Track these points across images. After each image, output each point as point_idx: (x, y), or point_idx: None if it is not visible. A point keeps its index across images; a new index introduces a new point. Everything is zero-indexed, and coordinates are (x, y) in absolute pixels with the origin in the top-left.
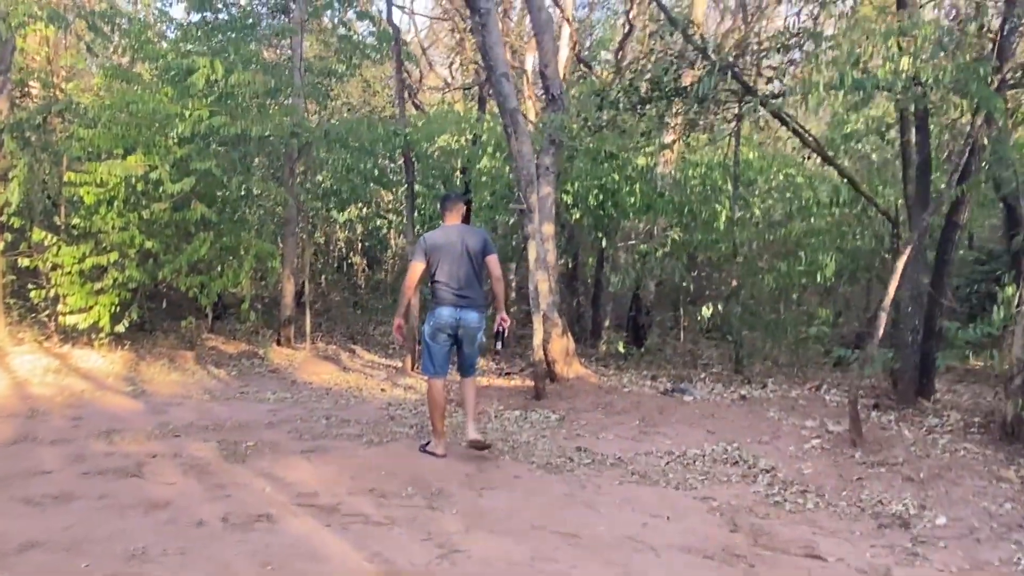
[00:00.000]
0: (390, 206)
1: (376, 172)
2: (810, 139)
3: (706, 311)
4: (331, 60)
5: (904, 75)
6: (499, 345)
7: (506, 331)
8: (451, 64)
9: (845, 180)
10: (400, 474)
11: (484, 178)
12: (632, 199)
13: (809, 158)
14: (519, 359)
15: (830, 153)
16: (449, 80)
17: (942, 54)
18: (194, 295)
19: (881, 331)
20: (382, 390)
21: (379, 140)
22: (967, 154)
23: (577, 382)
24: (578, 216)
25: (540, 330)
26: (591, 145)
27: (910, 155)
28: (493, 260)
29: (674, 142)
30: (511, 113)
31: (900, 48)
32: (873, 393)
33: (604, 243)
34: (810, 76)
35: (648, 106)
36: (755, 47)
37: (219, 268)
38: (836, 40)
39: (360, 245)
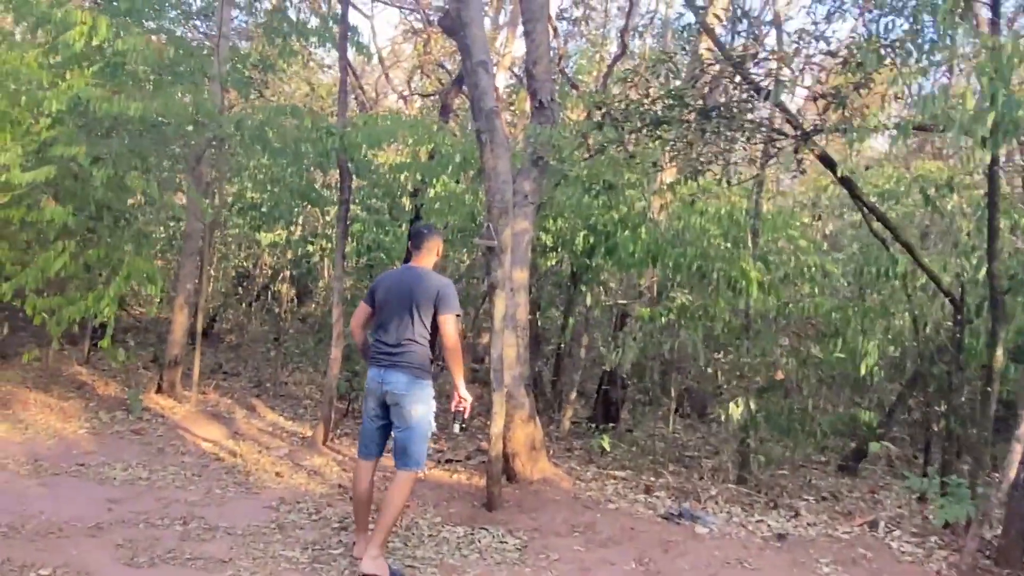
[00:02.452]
0: (320, 231)
1: (304, 184)
2: (860, 192)
3: (735, 408)
4: (258, 44)
5: None
6: (457, 428)
7: (465, 413)
8: (410, 79)
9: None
10: None
11: (438, 204)
12: (632, 246)
13: (818, 218)
14: (465, 439)
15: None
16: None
17: None
18: (41, 320)
19: (1014, 471)
20: (277, 474)
21: (307, 140)
22: None
23: (544, 486)
24: (554, 262)
25: (501, 413)
26: (584, 172)
27: (997, 221)
28: (445, 321)
29: (687, 179)
30: (487, 115)
31: None
32: (953, 542)
33: (588, 300)
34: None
35: (664, 127)
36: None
37: (92, 286)
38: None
39: (289, 273)
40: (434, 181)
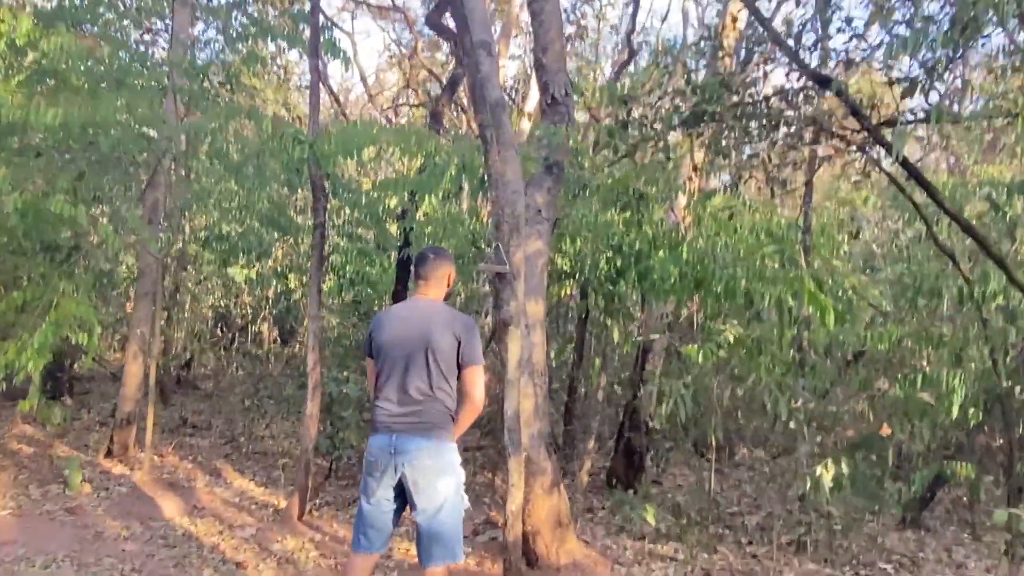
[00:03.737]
0: (298, 264)
1: (270, 207)
2: (941, 197)
3: (826, 472)
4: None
5: None
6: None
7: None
8: (396, 100)
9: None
10: None
11: (430, 227)
12: (672, 268)
13: (856, 235)
14: (473, 506)
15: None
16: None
17: None
18: None
19: None
20: (239, 564)
21: (272, 151)
22: None
23: (575, 573)
24: (568, 291)
25: (520, 485)
26: (609, 181)
27: None
28: (473, 377)
29: (729, 189)
30: (492, 108)
31: None
32: None
33: (615, 335)
34: None
35: (707, 122)
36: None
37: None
38: None
39: (269, 312)
40: (425, 199)
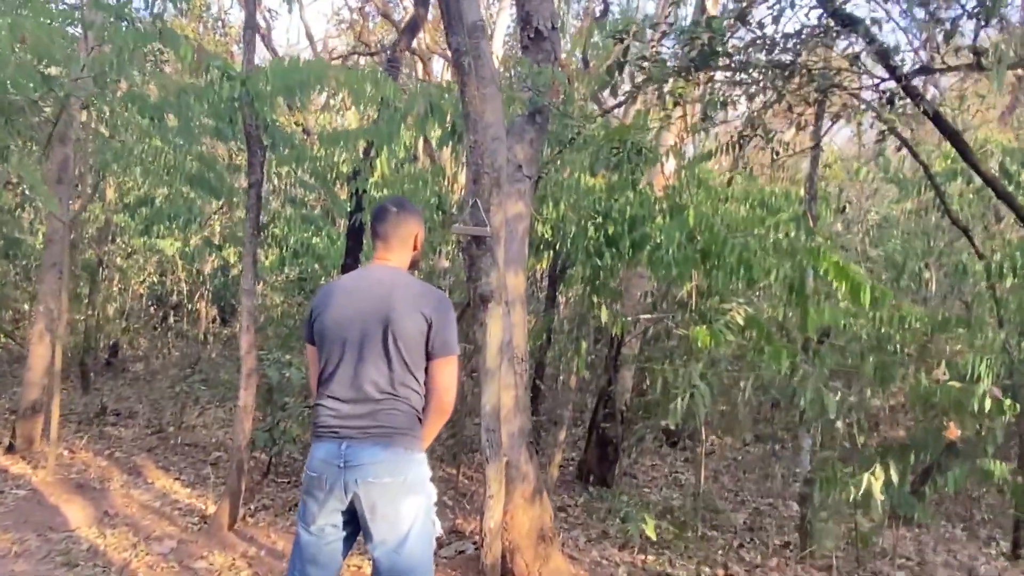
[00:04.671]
0: (232, 232)
1: (202, 168)
2: (976, 159)
3: (876, 481)
4: None
5: None
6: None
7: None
8: (346, 59)
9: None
10: None
11: (387, 189)
12: (678, 236)
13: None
14: (447, 511)
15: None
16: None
17: None
18: None
19: None
20: None
21: (195, 92)
22: None
23: None
24: (543, 263)
25: (499, 496)
26: (600, 132)
27: None
28: (444, 368)
29: (733, 147)
30: (471, 31)
31: None
32: None
33: (603, 315)
34: None
35: (716, 61)
36: None
37: None
38: None
39: (207, 288)
40: (382, 155)
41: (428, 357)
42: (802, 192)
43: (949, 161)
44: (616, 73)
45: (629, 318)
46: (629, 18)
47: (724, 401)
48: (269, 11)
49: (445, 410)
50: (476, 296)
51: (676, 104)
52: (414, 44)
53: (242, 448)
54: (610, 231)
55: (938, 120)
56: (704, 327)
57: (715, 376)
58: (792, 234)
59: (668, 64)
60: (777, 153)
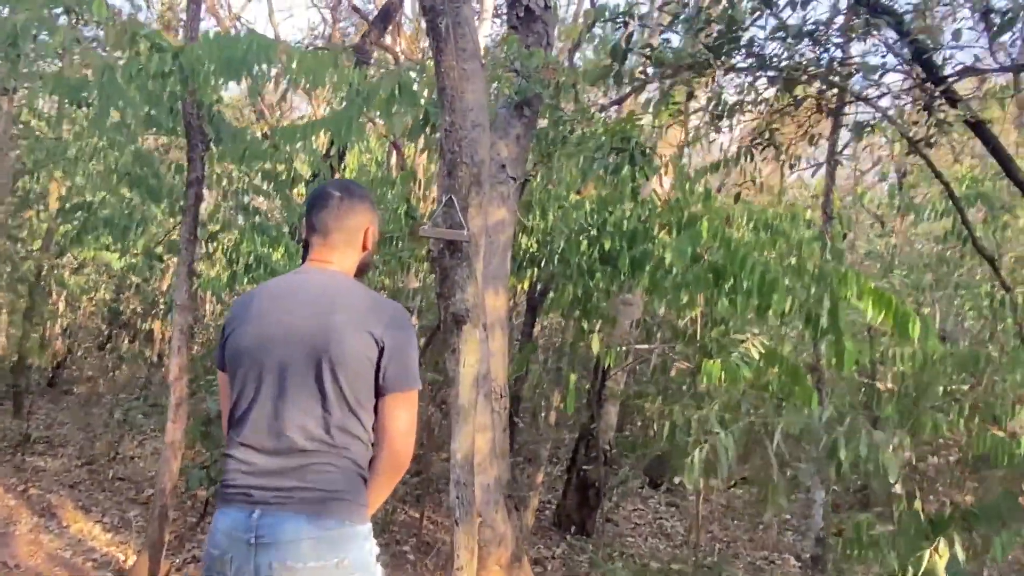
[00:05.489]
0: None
1: (138, 164)
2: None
3: (939, 557)
4: None
5: None
6: None
7: None
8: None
9: None
10: None
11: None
12: (687, 254)
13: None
14: (407, 565)
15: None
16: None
17: None
18: None
19: None
20: None
21: (123, 71)
22: None
23: None
24: (525, 283)
25: (470, 566)
26: (598, 130)
27: None
28: (400, 407)
29: (744, 157)
30: None
31: None
32: None
33: (595, 345)
34: None
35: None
36: None
37: None
38: None
39: (164, 305)
40: (347, 155)
41: (378, 392)
42: (809, 214)
43: (964, 186)
44: (619, 61)
45: (623, 348)
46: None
47: (745, 454)
48: (239, 19)
49: (400, 464)
50: (448, 316)
51: (691, 96)
52: (390, 42)
53: (167, 492)
54: (606, 246)
55: (980, 130)
56: (715, 361)
57: (733, 420)
58: (816, 255)
59: (680, 52)
60: (791, 167)
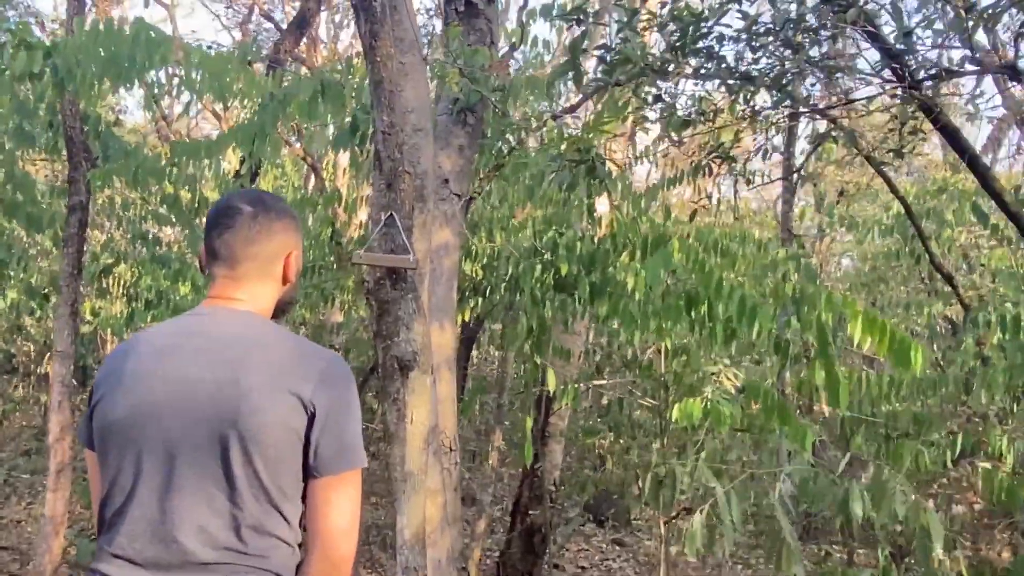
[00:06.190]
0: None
1: (6, 187)
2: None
3: None
4: None
5: None
6: None
7: None
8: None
9: None
10: None
11: None
12: (660, 277)
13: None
14: None
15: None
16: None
17: None
18: None
19: None
20: None
21: None
22: None
23: None
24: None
25: None
26: (555, 139)
27: None
28: (336, 490)
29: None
30: None
31: None
32: None
33: (550, 381)
34: None
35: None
36: None
37: None
38: None
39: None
40: (267, 165)
41: (308, 475)
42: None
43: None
44: (577, 57)
45: (579, 384)
46: None
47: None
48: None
49: (338, 570)
50: (389, 360)
51: (658, 99)
52: (307, 55)
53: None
54: (563, 271)
55: (955, 138)
56: (694, 400)
57: (723, 469)
58: (792, 277)
59: (643, 54)
60: (749, 182)
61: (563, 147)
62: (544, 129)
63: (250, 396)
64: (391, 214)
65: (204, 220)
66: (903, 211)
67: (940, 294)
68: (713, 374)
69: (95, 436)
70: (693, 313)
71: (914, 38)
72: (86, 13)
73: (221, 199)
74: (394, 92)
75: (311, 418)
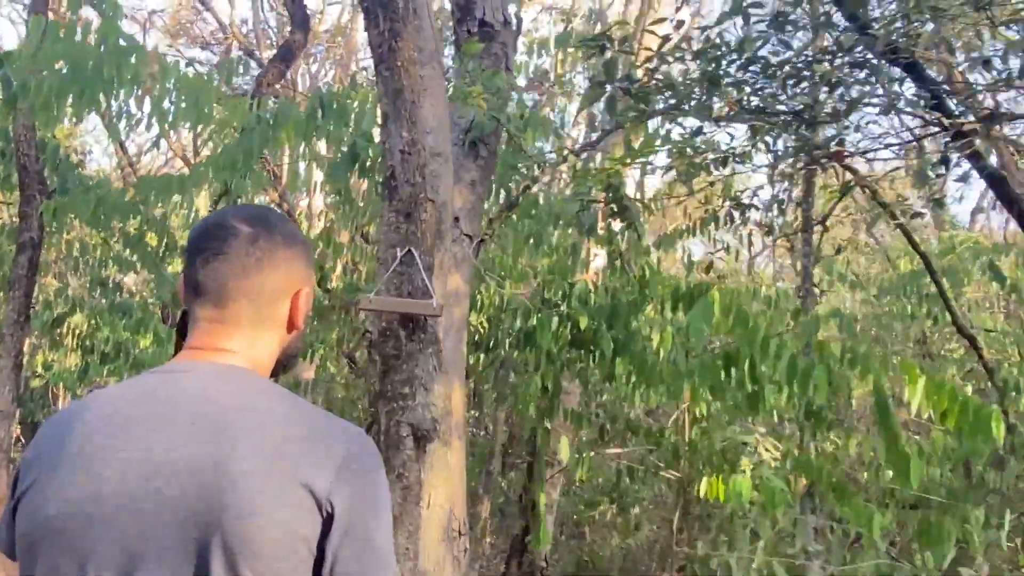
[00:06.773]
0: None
1: None
2: None
3: None
4: None
5: None
6: None
7: None
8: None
9: None
10: None
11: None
12: (703, 332)
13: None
14: None
15: None
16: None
17: None
18: None
19: None
20: None
21: None
22: None
23: None
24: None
25: None
26: (580, 174)
27: None
28: None
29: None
30: None
31: None
32: None
33: (563, 450)
34: None
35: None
36: None
37: None
38: None
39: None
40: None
41: None
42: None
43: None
44: (612, 78)
45: (592, 453)
46: (620, 20)
47: None
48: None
49: None
50: (395, 427)
51: (699, 133)
52: (289, 72)
53: None
54: (581, 325)
55: (1001, 187)
56: (742, 477)
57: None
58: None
59: (674, 87)
60: (769, 232)
61: (588, 182)
62: (566, 164)
63: (240, 487)
64: (408, 250)
65: (173, 266)
66: (908, 268)
67: (937, 358)
68: (745, 443)
69: (18, 541)
70: (734, 373)
71: (965, 78)
72: (46, 13)
73: (211, 215)
74: (416, 103)
75: (327, 521)
